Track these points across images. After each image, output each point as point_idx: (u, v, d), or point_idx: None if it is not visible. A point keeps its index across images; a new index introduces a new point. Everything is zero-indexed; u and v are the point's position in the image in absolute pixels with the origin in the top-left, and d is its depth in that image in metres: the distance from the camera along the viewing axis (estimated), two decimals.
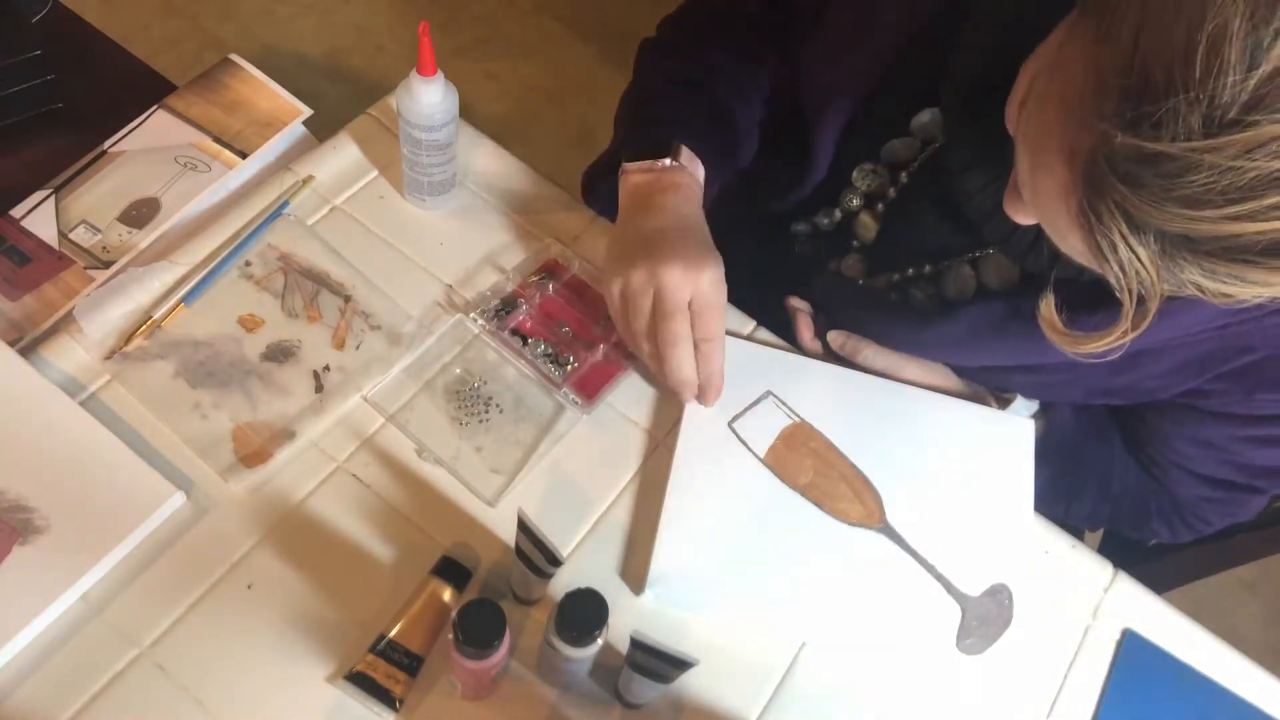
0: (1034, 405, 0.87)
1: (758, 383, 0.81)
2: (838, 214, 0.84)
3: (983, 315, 0.76)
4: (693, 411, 0.79)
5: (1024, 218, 0.61)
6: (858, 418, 0.81)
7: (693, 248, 0.73)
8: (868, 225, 0.82)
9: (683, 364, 0.74)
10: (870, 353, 0.83)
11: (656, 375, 0.78)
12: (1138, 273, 0.48)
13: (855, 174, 0.81)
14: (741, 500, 0.76)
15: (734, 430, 0.79)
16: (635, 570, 0.74)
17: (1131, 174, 0.45)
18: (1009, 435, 0.82)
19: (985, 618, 0.74)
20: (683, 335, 0.73)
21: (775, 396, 0.81)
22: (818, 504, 0.77)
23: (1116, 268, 0.48)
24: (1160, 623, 0.78)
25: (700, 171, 0.80)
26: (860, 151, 0.81)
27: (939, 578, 0.75)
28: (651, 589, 0.72)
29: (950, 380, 0.85)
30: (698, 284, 0.72)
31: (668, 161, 0.77)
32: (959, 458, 0.80)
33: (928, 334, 0.79)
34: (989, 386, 0.87)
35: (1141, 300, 0.50)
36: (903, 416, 0.82)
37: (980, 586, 0.75)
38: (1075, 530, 0.88)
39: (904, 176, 0.79)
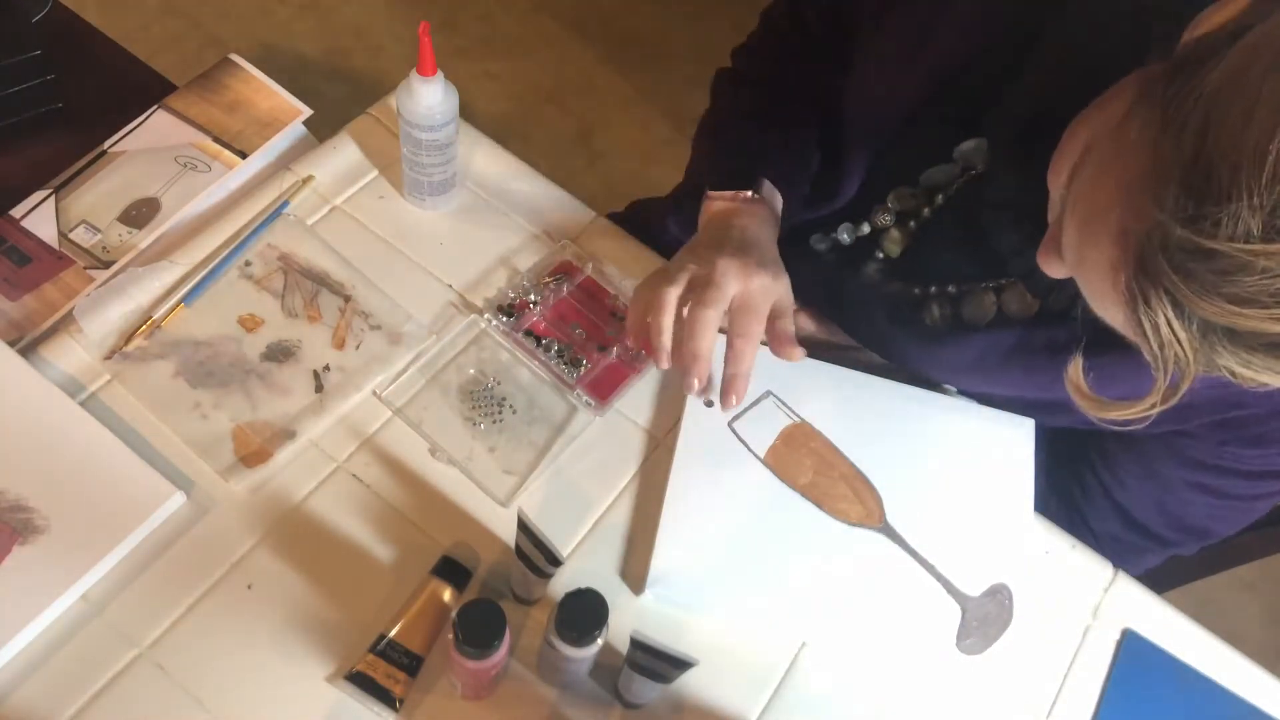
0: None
1: (758, 383, 0.81)
2: (866, 227, 0.83)
3: (994, 344, 0.76)
4: (693, 411, 0.79)
5: (1057, 272, 0.61)
6: (858, 418, 0.81)
7: (756, 256, 0.73)
8: (896, 240, 0.81)
9: (702, 337, 0.70)
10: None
11: (653, 354, 0.73)
12: (1176, 355, 0.49)
13: (891, 196, 0.81)
14: (741, 500, 0.76)
15: (734, 430, 0.79)
16: (635, 570, 0.74)
17: (1184, 265, 0.46)
18: (1009, 435, 0.82)
19: (985, 618, 0.74)
20: (713, 313, 0.70)
21: (775, 396, 0.81)
22: (818, 504, 0.77)
23: (1156, 346, 0.49)
24: (1160, 623, 0.78)
25: (779, 203, 0.81)
26: (896, 172, 0.81)
27: (939, 578, 0.75)
28: (651, 589, 0.72)
29: None
30: (748, 282, 0.72)
31: (749, 194, 0.79)
32: (959, 458, 0.80)
33: (938, 353, 0.79)
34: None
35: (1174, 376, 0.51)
36: (903, 416, 0.82)
37: (980, 586, 0.75)
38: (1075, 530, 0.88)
39: (939, 198, 0.79)
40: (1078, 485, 0.86)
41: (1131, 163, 0.50)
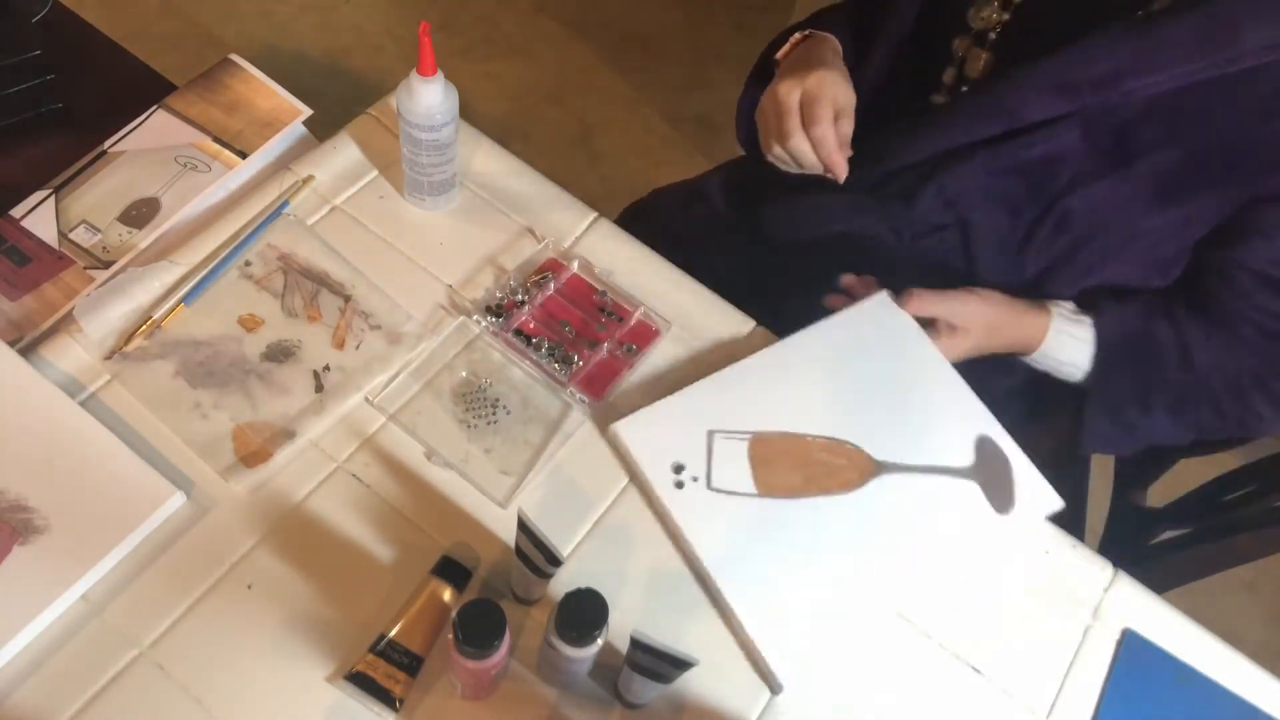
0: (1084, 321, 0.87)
1: (695, 429, 0.78)
2: (950, 72, 0.89)
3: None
4: (673, 500, 0.76)
5: None
6: (783, 392, 0.80)
7: (805, 66, 0.84)
8: (979, 59, 0.87)
9: (826, 136, 0.81)
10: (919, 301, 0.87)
11: (796, 156, 0.83)
12: None
13: (971, 10, 0.86)
14: (772, 541, 0.75)
15: (717, 490, 0.76)
16: (762, 671, 0.72)
17: None
18: (888, 318, 0.84)
19: (993, 472, 0.77)
20: (825, 117, 0.81)
21: (717, 431, 0.78)
22: (823, 492, 0.77)
23: None
24: (1160, 623, 0.78)
25: (837, 44, 0.91)
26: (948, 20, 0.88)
27: (942, 470, 0.78)
28: (786, 682, 0.70)
29: (1005, 303, 0.86)
30: (804, 81, 0.82)
31: (806, 32, 0.91)
32: (874, 367, 0.82)
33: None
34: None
35: None
36: (811, 363, 0.82)
37: (969, 453, 0.78)
38: (1075, 530, 0.88)
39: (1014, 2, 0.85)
40: (1225, 328, 0.85)
41: None
